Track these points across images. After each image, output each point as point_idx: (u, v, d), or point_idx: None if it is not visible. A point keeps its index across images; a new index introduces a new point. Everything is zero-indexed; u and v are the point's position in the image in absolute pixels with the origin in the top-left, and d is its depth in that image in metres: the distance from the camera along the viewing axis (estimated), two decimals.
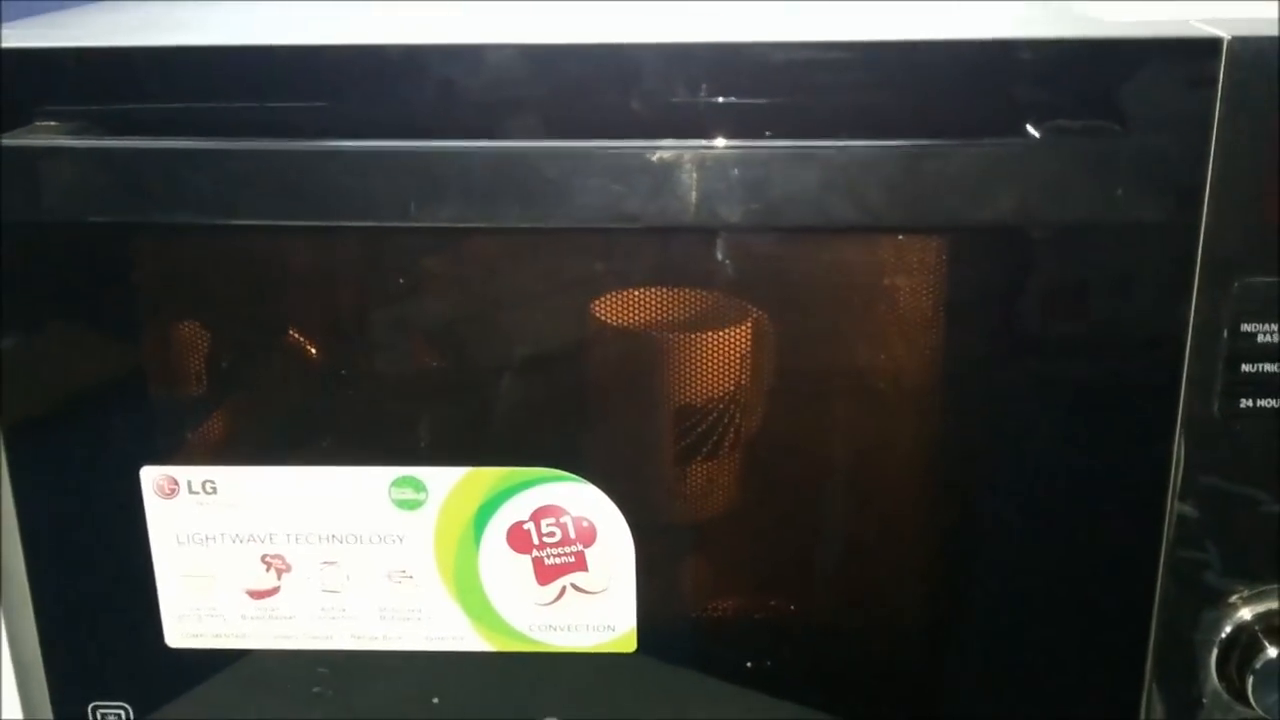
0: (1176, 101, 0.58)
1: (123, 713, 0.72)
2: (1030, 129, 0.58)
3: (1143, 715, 0.67)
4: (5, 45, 0.60)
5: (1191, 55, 0.57)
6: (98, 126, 0.60)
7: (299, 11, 0.71)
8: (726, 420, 0.68)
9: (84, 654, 0.71)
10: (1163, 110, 0.58)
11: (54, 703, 0.72)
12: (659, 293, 0.65)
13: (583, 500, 0.67)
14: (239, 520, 0.68)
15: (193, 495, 0.68)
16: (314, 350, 0.69)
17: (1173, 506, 0.64)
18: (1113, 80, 0.58)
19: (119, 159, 0.58)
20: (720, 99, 0.59)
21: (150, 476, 0.68)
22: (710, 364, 0.67)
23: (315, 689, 0.72)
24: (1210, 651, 0.66)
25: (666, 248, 0.65)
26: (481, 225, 0.59)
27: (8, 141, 0.59)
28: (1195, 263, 0.60)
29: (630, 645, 0.69)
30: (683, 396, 0.68)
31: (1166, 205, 0.58)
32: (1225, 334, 0.61)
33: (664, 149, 0.56)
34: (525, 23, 0.66)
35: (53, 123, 0.61)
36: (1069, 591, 0.66)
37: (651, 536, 0.68)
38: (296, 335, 0.69)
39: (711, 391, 0.68)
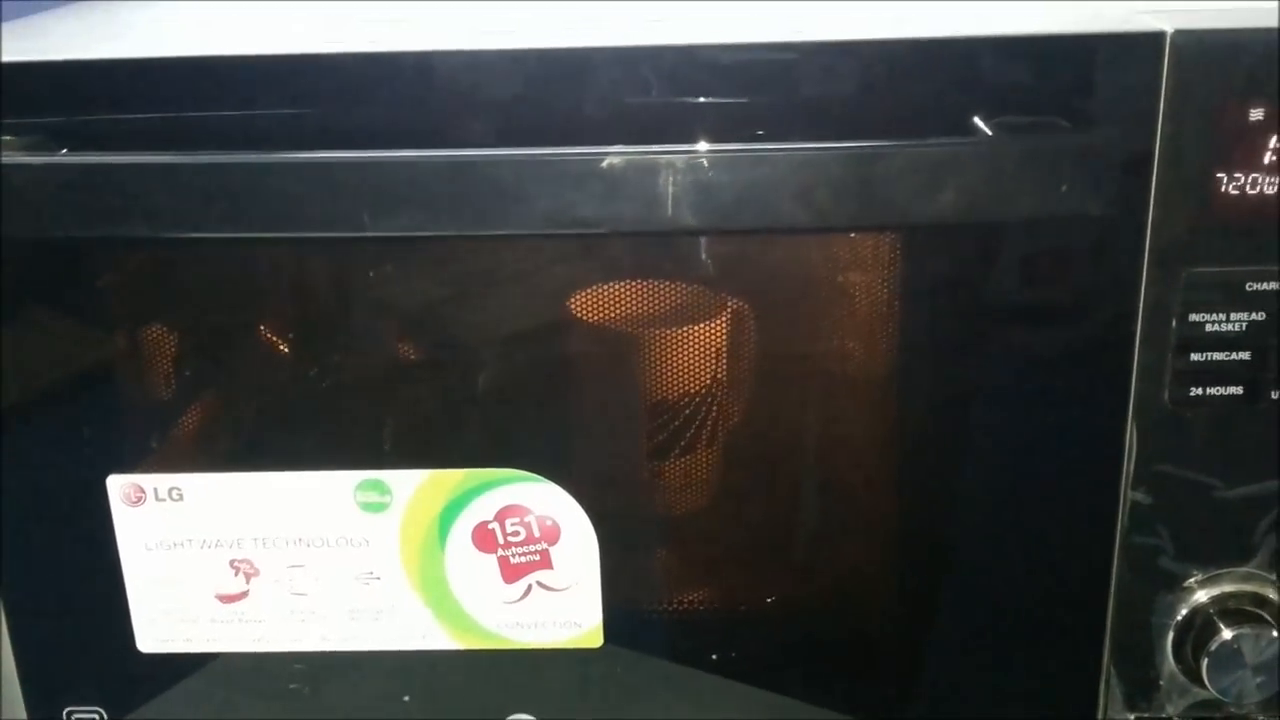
0: (1121, 96, 0.58)
1: (97, 717, 0.73)
2: (978, 125, 0.59)
3: (1101, 697, 0.68)
4: None
5: (1135, 50, 0.58)
6: (53, 141, 0.60)
7: (252, 15, 0.72)
8: (689, 416, 0.69)
9: (57, 660, 0.72)
10: (1108, 105, 0.59)
11: (29, 709, 0.73)
12: (621, 289, 0.66)
13: (546, 499, 0.67)
14: (206, 526, 0.69)
15: (159, 502, 0.68)
16: (279, 356, 0.69)
17: (1126, 494, 0.65)
18: (1058, 76, 0.59)
19: (74, 175, 0.58)
20: (670, 102, 0.59)
21: (117, 485, 0.68)
22: (673, 361, 0.68)
23: (291, 686, 0.73)
24: (1166, 634, 0.67)
25: (630, 247, 0.66)
26: (437, 234, 0.59)
27: None
28: (1143, 255, 0.61)
29: (597, 640, 0.70)
30: (645, 393, 0.69)
31: (1113, 199, 0.59)
32: (1174, 324, 0.62)
33: (614, 155, 0.56)
34: (477, 25, 0.67)
35: (8, 137, 0.61)
36: (1028, 578, 0.67)
37: (615, 533, 0.68)
38: (261, 342, 0.69)
39: (674, 388, 0.68)
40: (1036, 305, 0.63)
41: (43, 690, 0.73)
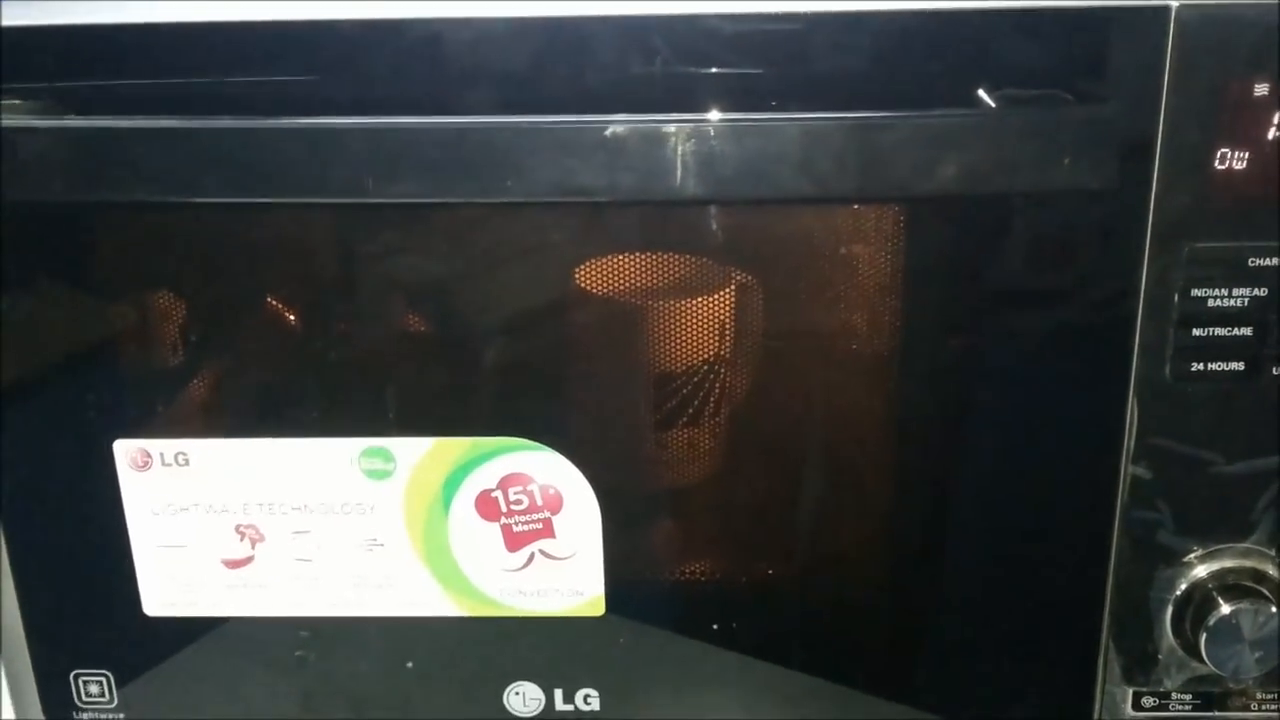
0: (1125, 69, 0.58)
1: (104, 680, 0.74)
2: (982, 98, 0.59)
3: (1100, 672, 0.69)
4: None
5: (1140, 23, 0.58)
6: (57, 105, 0.60)
7: None
8: (692, 387, 0.69)
9: (65, 624, 0.73)
10: (1112, 78, 0.58)
11: (36, 671, 0.73)
12: (628, 260, 0.66)
13: (549, 468, 0.68)
14: (212, 491, 0.69)
15: (166, 467, 0.69)
16: (284, 322, 0.69)
17: (1126, 468, 0.65)
18: (1062, 49, 0.58)
19: (77, 139, 0.58)
20: (673, 71, 0.59)
21: (123, 449, 0.68)
22: (676, 331, 0.68)
23: (298, 652, 0.73)
24: (1165, 609, 0.67)
25: (635, 218, 0.66)
26: (439, 201, 0.59)
27: None
28: (1146, 229, 0.60)
29: (598, 609, 0.70)
30: (649, 365, 0.69)
31: (1111, 173, 0.58)
32: (1176, 299, 0.62)
33: (617, 124, 0.56)
34: None
35: (15, 100, 0.61)
36: (1028, 552, 0.67)
37: (617, 503, 0.69)
38: (267, 307, 0.69)
39: (677, 359, 0.69)
40: (1038, 280, 0.62)
41: (50, 654, 0.73)
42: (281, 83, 0.60)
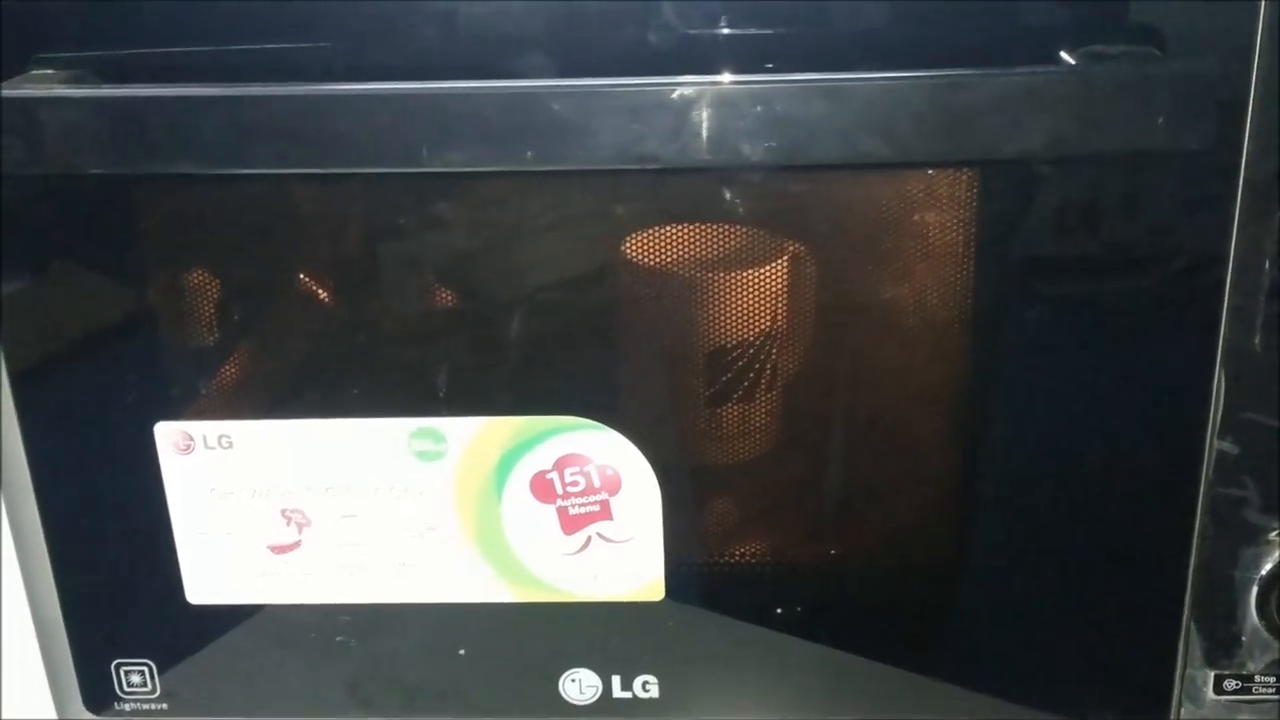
0: (1217, 23, 0.56)
1: (146, 669, 0.72)
2: (1065, 56, 0.56)
3: (1180, 653, 0.67)
4: None
5: None
6: (95, 74, 0.58)
7: None
8: (753, 362, 0.67)
9: (105, 613, 0.71)
10: (1203, 33, 0.56)
11: (77, 662, 0.72)
12: (684, 231, 0.63)
13: (606, 448, 0.65)
14: (256, 475, 0.67)
15: (209, 450, 0.67)
16: (329, 299, 0.67)
17: (1212, 443, 0.62)
18: (1150, 3, 0.56)
19: (118, 108, 0.56)
20: (741, 31, 0.57)
21: (165, 432, 0.66)
22: (737, 305, 0.66)
23: (339, 638, 0.71)
24: (1250, 589, 0.65)
25: (691, 185, 0.63)
26: (496, 169, 0.56)
27: (5, 91, 0.57)
28: (1236, 192, 0.58)
29: (658, 593, 0.68)
30: (708, 338, 0.67)
31: (1207, 133, 0.56)
32: (1267, 265, 0.59)
33: (684, 86, 0.54)
34: None
35: (49, 70, 0.59)
36: (1106, 530, 0.65)
37: (678, 483, 0.66)
38: (311, 284, 0.67)
39: (738, 333, 0.66)
40: (1120, 246, 0.60)
41: (91, 643, 0.72)
42: (330, 48, 0.58)
